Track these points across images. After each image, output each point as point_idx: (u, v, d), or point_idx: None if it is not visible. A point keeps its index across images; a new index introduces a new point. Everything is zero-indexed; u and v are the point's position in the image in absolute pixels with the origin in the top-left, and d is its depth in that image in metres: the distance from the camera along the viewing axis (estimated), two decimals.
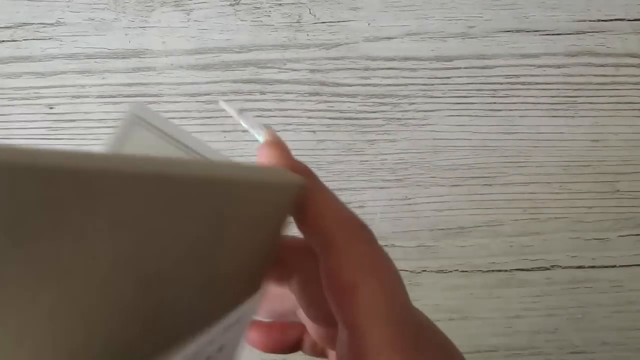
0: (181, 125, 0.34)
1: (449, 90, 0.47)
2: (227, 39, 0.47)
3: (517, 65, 0.47)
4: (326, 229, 0.22)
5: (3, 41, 0.46)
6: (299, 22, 0.47)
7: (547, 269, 0.48)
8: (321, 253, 0.22)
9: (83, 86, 0.46)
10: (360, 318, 0.21)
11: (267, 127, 0.25)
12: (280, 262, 0.24)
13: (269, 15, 0.47)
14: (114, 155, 0.14)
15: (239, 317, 0.18)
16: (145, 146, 0.21)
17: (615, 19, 0.47)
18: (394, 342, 0.21)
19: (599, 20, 0.47)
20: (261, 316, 0.28)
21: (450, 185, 0.47)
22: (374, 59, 0.47)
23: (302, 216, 0.23)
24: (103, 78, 0.46)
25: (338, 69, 0.47)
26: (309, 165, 0.23)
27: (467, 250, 0.47)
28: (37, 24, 0.46)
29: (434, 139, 0.47)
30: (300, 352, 0.28)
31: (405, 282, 0.23)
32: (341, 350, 0.22)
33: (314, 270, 0.23)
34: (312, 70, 0.47)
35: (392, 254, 0.24)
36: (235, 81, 0.47)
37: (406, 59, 0.47)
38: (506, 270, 0.48)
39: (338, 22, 0.47)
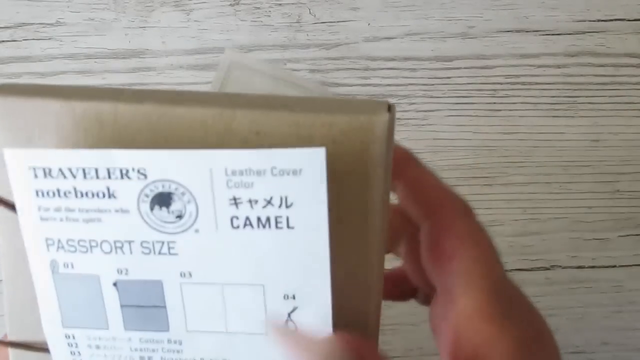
0: None
1: (449, 90, 0.47)
2: (227, 39, 0.47)
3: (517, 65, 0.47)
4: (428, 197, 0.23)
5: (3, 41, 0.46)
6: (299, 22, 0.47)
7: (547, 269, 0.48)
8: (422, 220, 0.23)
9: None
10: (456, 285, 0.22)
11: None
12: (389, 225, 0.24)
13: (269, 15, 0.47)
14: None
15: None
16: (246, 88, 0.23)
17: (615, 19, 0.47)
18: (484, 311, 0.22)
19: (598, 20, 0.47)
20: None
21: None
22: (374, 59, 0.47)
23: (404, 186, 0.23)
24: (103, 78, 0.46)
25: (338, 69, 0.47)
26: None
27: None
28: (37, 24, 0.46)
29: (434, 139, 0.47)
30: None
31: None
32: (436, 314, 0.24)
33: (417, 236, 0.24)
34: (312, 70, 0.47)
35: None
36: None
37: (406, 59, 0.47)
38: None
39: (338, 22, 0.47)
